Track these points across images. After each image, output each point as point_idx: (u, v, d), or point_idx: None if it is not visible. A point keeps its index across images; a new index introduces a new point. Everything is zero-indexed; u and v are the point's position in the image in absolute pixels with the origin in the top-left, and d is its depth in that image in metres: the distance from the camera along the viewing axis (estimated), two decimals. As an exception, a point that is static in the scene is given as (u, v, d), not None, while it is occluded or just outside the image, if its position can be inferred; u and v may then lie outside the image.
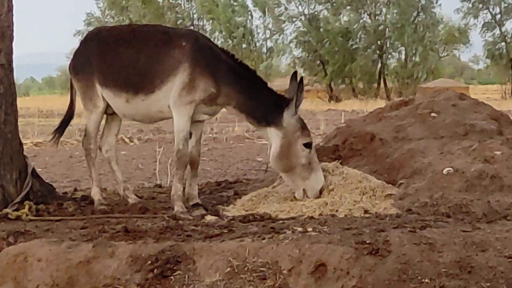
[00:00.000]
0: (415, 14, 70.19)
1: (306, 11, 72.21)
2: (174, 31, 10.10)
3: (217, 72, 8.84)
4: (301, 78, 8.97)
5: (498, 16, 75.63)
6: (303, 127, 8.76)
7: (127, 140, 24.02)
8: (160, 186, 11.89)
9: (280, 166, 8.85)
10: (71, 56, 9.88)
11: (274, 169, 9.68)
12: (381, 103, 20.35)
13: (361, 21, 71.09)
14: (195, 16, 76.02)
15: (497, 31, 76.04)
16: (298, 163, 8.66)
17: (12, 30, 9.19)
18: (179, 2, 77.57)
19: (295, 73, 9.05)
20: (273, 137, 8.78)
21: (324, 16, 71.85)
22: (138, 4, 74.99)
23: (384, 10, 71.01)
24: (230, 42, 70.29)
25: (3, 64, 8.96)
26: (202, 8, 75.05)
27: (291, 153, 8.67)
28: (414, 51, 70.82)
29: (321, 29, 70.90)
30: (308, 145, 8.72)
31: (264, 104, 8.83)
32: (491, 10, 75.64)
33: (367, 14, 71.12)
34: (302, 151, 8.67)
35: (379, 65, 71.08)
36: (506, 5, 74.84)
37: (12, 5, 9.14)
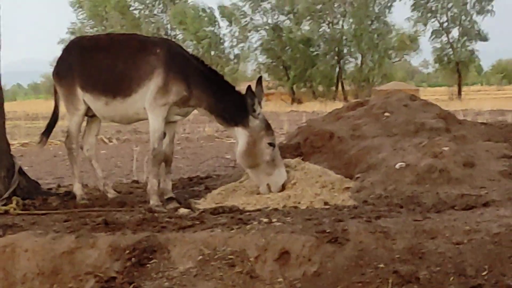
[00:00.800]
0: (369, 23, 70.26)
1: (270, 21, 72.19)
2: (149, 40, 10.10)
3: (188, 77, 8.85)
4: (259, 78, 9.03)
5: (445, 24, 75.89)
6: (267, 127, 8.80)
7: (106, 140, 23.96)
8: (137, 182, 11.88)
9: (246, 162, 8.88)
10: (55, 63, 9.85)
11: (240, 166, 9.71)
12: (339, 105, 20.37)
13: (320, 30, 71.12)
14: (168, 26, 75.82)
15: (444, 38, 76.32)
16: (263, 160, 8.70)
17: (-1, 40, 9.16)
18: (154, 13, 77.31)
19: (260, 77, 9.08)
20: (240, 136, 8.81)
21: (286, 25, 71.82)
22: (116, 15, 74.75)
23: (341, 19, 71.05)
24: (200, 49, 70.18)
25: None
26: (174, 19, 74.98)
27: (256, 151, 8.69)
28: (369, 57, 70.91)
29: (284, 38, 70.92)
30: (271, 144, 8.75)
31: (232, 105, 8.85)
32: (438, 18, 75.89)
33: (326, 24, 71.15)
34: (266, 149, 8.71)
35: (337, 70, 71.18)
36: (452, 14, 75.10)
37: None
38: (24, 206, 8.72)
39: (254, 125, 8.69)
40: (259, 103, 8.80)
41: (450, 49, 76.09)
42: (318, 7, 70.06)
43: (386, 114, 10.85)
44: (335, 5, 69.72)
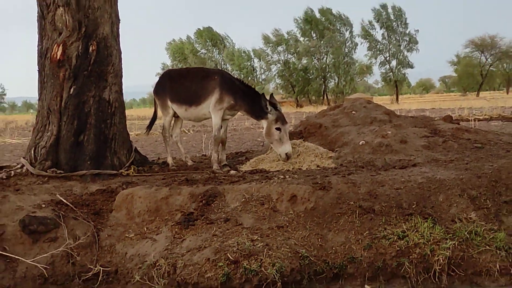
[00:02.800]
0: (342, 58, 69.79)
1: (282, 58, 71.85)
2: (210, 70, 10.07)
3: (234, 92, 8.84)
4: (271, 94, 9.01)
5: (388, 58, 75.41)
6: (277, 119, 8.71)
7: (186, 131, 23.96)
8: (204, 155, 11.87)
9: (267, 139, 8.91)
10: (154, 86, 9.86)
11: (267, 144, 9.71)
12: (324, 107, 20.24)
13: (312, 63, 70.66)
14: (222, 62, 75.76)
15: (387, 66, 75.77)
16: (274, 139, 8.66)
17: (122, 72, 9.17)
18: (214, 55, 77.24)
19: (272, 94, 9.03)
20: (264, 124, 8.79)
21: (292, 61, 71.49)
22: (191, 56, 74.84)
23: (325, 56, 70.66)
24: (242, 76, 70.07)
25: (117, 90, 8.95)
26: (226, 57, 74.92)
27: (270, 133, 8.66)
28: (342, 79, 70.51)
29: (291, 68, 70.57)
30: (278, 129, 8.69)
31: (259, 108, 8.81)
32: (383, 55, 75.37)
33: (316, 59, 70.69)
34: (275, 132, 8.65)
35: (323, 87, 70.72)
36: (392, 52, 74.61)
37: (121, 58, 9.13)
38: (138, 171, 8.76)
39: (270, 118, 8.67)
40: (275, 106, 8.78)
41: (391, 73, 75.59)
42: (311, 49, 69.57)
43: (353, 112, 10.83)
44: (321, 48, 69.21)
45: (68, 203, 7.10)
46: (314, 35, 71.65)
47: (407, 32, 74.76)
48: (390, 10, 74.60)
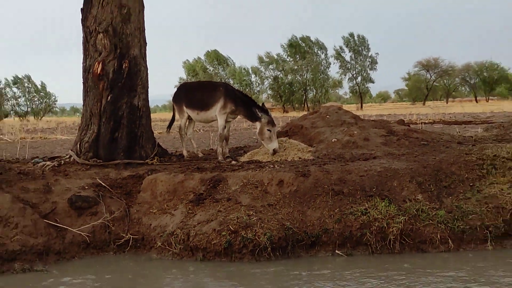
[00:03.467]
0: (319, 74, 69.60)
1: (273, 74, 71.68)
2: (217, 83, 10.03)
3: (235, 100, 8.80)
4: (263, 103, 8.95)
5: (354, 75, 75.30)
6: (269, 122, 8.67)
7: (197, 130, 23.90)
8: (212, 149, 11.84)
9: (260, 138, 8.83)
10: (173, 95, 9.80)
11: (259, 141, 9.70)
12: (305, 113, 20.22)
13: (296, 78, 70.50)
14: (225, 77, 75.54)
15: (354, 81, 75.67)
16: (266, 137, 8.60)
17: (148, 84, 9.13)
18: (219, 71, 77.04)
19: (263, 103, 8.99)
20: (257, 126, 8.74)
21: (280, 76, 71.32)
22: (201, 72, 74.60)
23: (305, 73, 70.48)
24: (241, 88, 69.87)
25: (144, 98, 8.92)
26: (229, 73, 74.72)
27: (263, 132, 8.61)
28: (319, 91, 70.37)
29: (279, 82, 70.43)
30: (269, 129, 8.61)
31: (254, 113, 8.79)
32: (351, 72, 75.28)
33: (299, 75, 70.55)
34: (266, 132, 8.58)
35: (304, 97, 70.57)
36: (357, 70, 74.54)
37: (147, 73, 9.08)
38: (160, 161, 8.72)
39: (262, 121, 8.61)
40: (267, 112, 8.72)
41: (357, 87, 75.47)
42: (295, 68, 69.46)
43: (327, 116, 10.79)
44: (303, 67, 69.07)
45: (106, 186, 7.11)
46: (297, 56, 71.50)
47: (370, 55, 74.82)
48: (356, 38, 74.68)
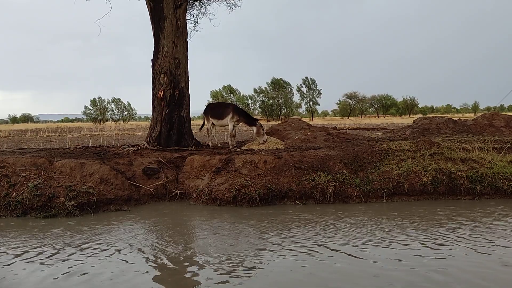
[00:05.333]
0: (288, 100, 69.02)
1: (262, 99, 71.06)
2: (228, 104, 9.96)
3: (239, 114, 8.72)
4: (257, 119, 8.81)
5: (308, 101, 74.90)
6: (261, 126, 8.63)
7: (217, 131, 23.66)
8: (226, 143, 11.73)
9: (256, 135, 8.75)
10: (204, 109, 9.66)
11: (254, 138, 9.62)
12: (279, 121, 20.13)
13: (275, 101, 69.97)
14: (235, 100, 74.87)
15: (308, 104, 75.23)
16: (260, 134, 8.55)
17: (189, 102, 8.97)
18: (230, 97, 76.29)
19: (257, 119, 8.89)
20: (253, 129, 8.65)
21: (265, 101, 70.74)
22: (221, 97, 73.88)
23: (281, 98, 69.92)
24: (241, 105, 69.39)
25: (187, 112, 8.82)
26: (236, 99, 74.13)
27: (259, 132, 8.57)
28: (288, 109, 69.94)
29: (265, 104, 69.91)
30: (263, 130, 8.59)
31: (251, 121, 8.72)
32: (306, 99, 74.84)
33: (276, 100, 70.00)
34: (261, 131, 8.56)
35: (279, 112, 70.06)
36: (310, 97, 74.17)
37: (189, 97, 8.92)
38: (196, 148, 8.64)
39: (258, 125, 8.56)
40: (257, 120, 8.69)
41: (310, 107, 75.16)
42: (274, 95, 68.96)
43: (293, 124, 10.70)
44: (279, 96, 68.51)
45: (164, 162, 7.04)
46: (276, 89, 71.04)
47: (317, 89, 74.64)
48: (309, 79, 74.47)
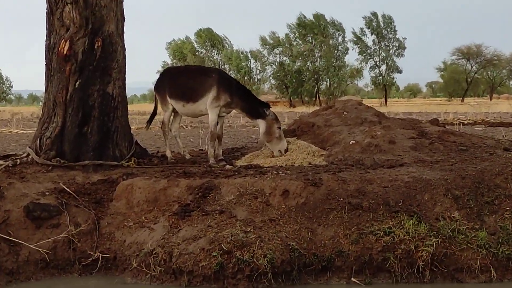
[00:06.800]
0: (334, 61, 69.75)
1: (278, 60, 71.74)
2: (208, 69, 10.06)
3: (231, 91, 8.83)
4: (268, 103, 8.97)
5: (378, 63, 75.30)
6: (276, 118, 8.80)
7: (184, 127, 23.93)
8: (202, 150, 11.84)
9: (265, 138, 8.88)
10: (155, 82, 9.85)
11: (261, 142, 9.70)
12: (317, 108, 20.26)
13: (306, 64, 70.62)
14: (220, 62, 75.52)
15: (377, 71, 75.64)
16: (274, 136, 8.71)
17: (125, 68, 9.13)
18: (212, 55, 77.02)
19: (268, 104, 9.03)
20: (260, 124, 8.80)
21: (287, 62, 71.35)
22: (190, 55, 74.64)
23: (318, 59, 70.56)
24: (238, 75, 69.91)
25: (120, 86, 8.90)
26: (224, 58, 74.75)
27: (271, 131, 8.70)
28: (334, 81, 70.46)
29: (286, 70, 70.49)
30: (279, 127, 8.77)
31: (254, 107, 8.84)
32: (374, 60, 75.29)
33: (309, 62, 70.65)
34: (276, 130, 8.72)
35: (316, 88, 70.63)
36: (381, 57, 74.54)
37: (125, 55, 9.08)
38: (138, 163, 8.71)
39: (268, 118, 8.70)
40: (268, 105, 8.84)
41: (380, 77, 75.44)
42: (305, 52, 69.59)
43: (345, 113, 10.82)
44: (315, 51, 69.22)
45: (71, 192, 7.09)
46: (309, 38, 71.52)
47: (396, 37, 74.77)
48: (380, 18, 74.58)
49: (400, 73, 76.95)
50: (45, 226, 6.60)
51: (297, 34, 72.49)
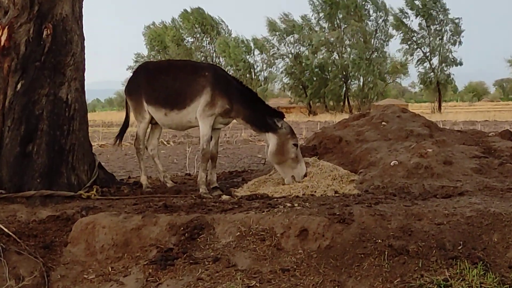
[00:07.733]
0: (370, 53, 69.98)
1: (292, 51, 71.94)
2: (199, 64, 10.14)
3: (230, 94, 8.86)
4: (281, 112, 9.06)
5: (428, 54, 75.33)
6: (292, 132, 8.85)
7: (165, 142, 24.01)
8: (189, 175, 11.90)
9: (276, 159, 8.91)
10: (126, 83, 9.91)
11: (270, 163, 9.73)
12: (346, 116, 20.34)
13: (331, 58, 70.85)
14: (214, 54, 75.80)
15: (427, 64, 75.67)
16: (289, 157, 8.75)
17: (84, 64, 9.17)
18: (204, 45, 77.27)
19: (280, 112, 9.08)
20: (271, 139, 8.84)
21: (305, 54, 71.57)
22: (173, 46, 74.89)
23: (348, 50, 70.77)
24: (238, 72, 70.18)
25: (78, 88, 8.94)
26: (219, 48, 74.94)
27: (284, 150, 8.75)
28: (368, 80, 70.65)
29: (303, 64, 70.69)
30: (295, 144, 8.80)
31: (263, 116, 8.87)
32: (422, 50, 75.33)
33: (336, 53, 70.87)
34: (291, 148, 8.77)
35: (344, 89, 70.85)
36: (432, 45, 74.55)
37: (84, 46, 9.11)
38: (102, 193, 8.75)
39: (281, 131, 8.75)
40: (282, 115, 8.91)
41: (432, 73, 75.48)
42: (331, 40, 69.79)
43: (383, 123, 10.84)
44: (344, 40, 69.42)
45: (10, 233, 7.08)
46: (336, 22, 71.62)
47: (450, 18, 74.40)
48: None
49: (460, 65, 76.74)
50: (-25, 281, 6.60)
51: (321, 15, 72.54)
